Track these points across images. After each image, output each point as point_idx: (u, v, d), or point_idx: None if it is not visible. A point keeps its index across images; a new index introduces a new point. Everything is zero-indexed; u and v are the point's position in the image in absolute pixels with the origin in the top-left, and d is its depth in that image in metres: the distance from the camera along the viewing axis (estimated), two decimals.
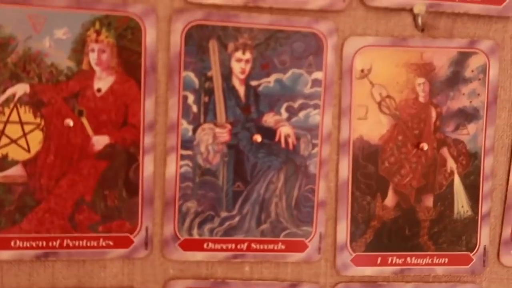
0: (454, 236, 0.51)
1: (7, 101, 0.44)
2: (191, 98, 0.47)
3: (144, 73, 0.46)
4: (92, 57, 0.45)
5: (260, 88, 0.48)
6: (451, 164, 0.51)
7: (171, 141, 0.47)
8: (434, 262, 0.51)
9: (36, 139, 0.45)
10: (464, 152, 0.51)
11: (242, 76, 0.48)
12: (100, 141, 0.46)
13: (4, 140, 0.44)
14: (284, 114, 0.48)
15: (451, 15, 0.49)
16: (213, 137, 0.48)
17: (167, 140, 0.47)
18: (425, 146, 0.50)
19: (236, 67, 0.47)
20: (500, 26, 0.50)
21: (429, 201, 0.51)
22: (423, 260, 0.51)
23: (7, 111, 0.44)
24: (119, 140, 0.46)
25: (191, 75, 0.47)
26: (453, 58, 0.50)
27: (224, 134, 0.48)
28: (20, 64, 0.44)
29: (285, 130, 0.49)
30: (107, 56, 0.45)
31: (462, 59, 0.50)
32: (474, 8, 0.49)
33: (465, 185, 0.51)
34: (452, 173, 0.51)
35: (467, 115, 0.51)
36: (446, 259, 0.51)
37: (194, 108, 0.47)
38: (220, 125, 0.48)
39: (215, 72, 0.47)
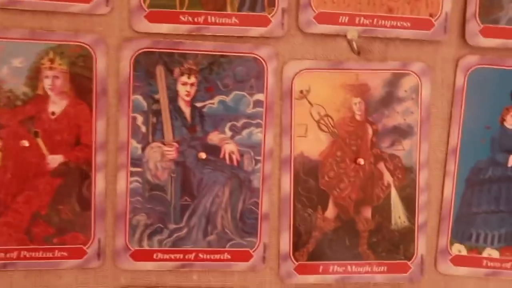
0: (392, 245, 0.52)
1: None
2: (140, 119, 0.48)
3: (95, 97, 0.47)
4: (47, 83, 0.47)
5: (205, 109, 0.49)
6: (387, 177, 0.52)
7: (121, 159, 0.48)
8: (373, 270, 0.52)
9: None
10: (400, 167, 0.52)
11: (188, 98, 0.49)
12: (54, 160, 0.47)
13: None
14: (228, 133, 0.50)
15: (384, 39, 0.51)
16: (161, 155, 0.49)
17: (118, 158, 0.48)
18: (361, 161, 0.51)
19: (182, 90, 0.49)
20: (431, 48, 0.51)
21: (367, 212, 0.52)
22: (363, 268, 0.52)
23: None
24: (72, 159, 0.47)
25: (140, 98, 0.48)
26: (387, 79, 0.51)
27: (171, 152, 0.49)
28: None
29: (229, 147, 0.50)
30: (61, 82, 0.47)
31: (395, 80, 0.51)
32: (405, 33, 0.50)
33: (402, 197, 0.52)
34: (389, 186, 0.52)
35: (401, 132, 0.51)
36: (385, 267, 0.52)
37: (143, 129, 0.49)
38: (168, 144, 0.49)
39: (162, 95, 0.49)
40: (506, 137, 0.52)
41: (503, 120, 0.52)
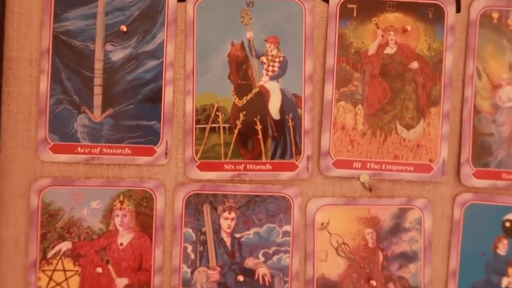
0: None
1: (55, 255, 0.57)
2: (189, 248, 0.58)
3: (155, 230, 0.58)
4: (117, 220, 0.57)
5: (243, 239, 0.59)
6: None
7: (174, 281, 0.58)
8: None
9: (75, 282, 0.57)
10: (407, 287, 0.60)
11: (229, 231, 0.59)
12: (121, 282, 0.57)
13: (52, 283, 0.57)
14: (261, 258, 0.59)
15: (391, 180, 0.60)
16: (206, 277, 0.58)
17: (171, 280, 0.58)
18: (374, 282, 0.59)
19: (224, 223, 0.59)
20: (432, 187, 0.60)
21: None
22: None
23: (54, 262, 0.57)
24: (135, 281, 0.57)
25: (190, 231, 0.58)
26: (394, 213, 0.60)
27: (215, 275, 0.59)
28: (65, 228, 0.57)
29: (262, 270, 0.59)
30: (128, 219, 0.57)
31: (401, 213, 0.60)
32: (409, 176, 0.59)
33: None
34: None
35: (408, 257, 0.60)
36: None
37: (192, 256, 0.58)
38: (212, 268, 0.59)
39: (208, 228, 0.59)
40: (499, 262, 0.60)
41: (495, 247, 0.60)
